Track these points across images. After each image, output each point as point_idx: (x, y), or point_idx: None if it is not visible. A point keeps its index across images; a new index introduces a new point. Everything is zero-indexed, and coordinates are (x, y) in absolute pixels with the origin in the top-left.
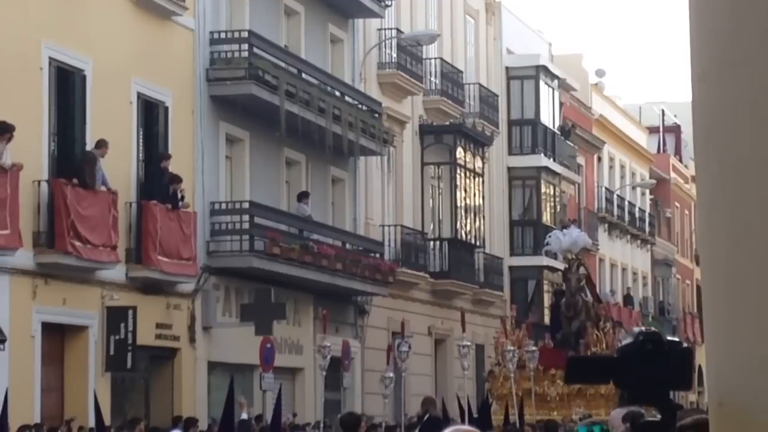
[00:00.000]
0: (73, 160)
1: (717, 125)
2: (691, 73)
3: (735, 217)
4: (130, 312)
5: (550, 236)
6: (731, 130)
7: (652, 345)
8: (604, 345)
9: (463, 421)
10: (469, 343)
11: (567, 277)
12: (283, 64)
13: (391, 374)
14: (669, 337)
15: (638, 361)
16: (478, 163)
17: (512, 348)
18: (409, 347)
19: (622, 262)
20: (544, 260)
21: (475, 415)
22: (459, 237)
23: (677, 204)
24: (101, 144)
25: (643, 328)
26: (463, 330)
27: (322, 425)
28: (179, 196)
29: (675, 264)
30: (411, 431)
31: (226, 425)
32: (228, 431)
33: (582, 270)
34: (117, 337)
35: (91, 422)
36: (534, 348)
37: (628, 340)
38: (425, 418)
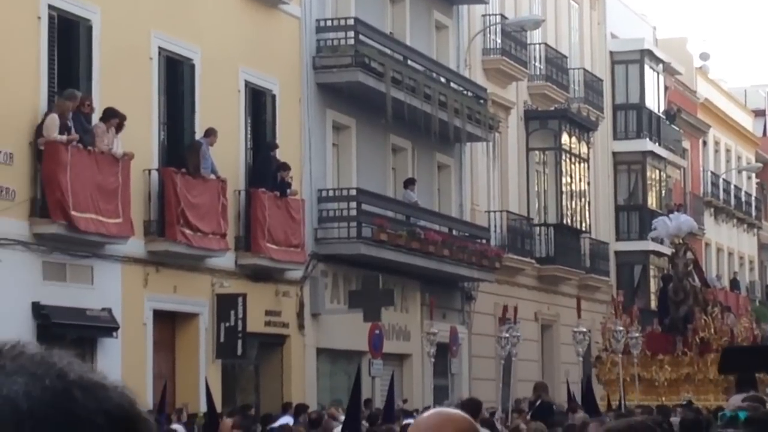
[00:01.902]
0: (182, 148)
1: None
2: None
3: None
4: (240, 299)
5: (656, 221)
6: None
7: None
8: (712, 330)
9: (570, 408)
10: (585, 330)
11: (674, 262)
12: (388, 51)
13: (507, 334)
14: None
15: None
16: (583, 148)
17: (621, 329)
18: (518, 333)
19: (728, 247)
20: (650, 245)
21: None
22: (564, 222)
23: None
24: (210, 132)
25: None
26: (579, 316)
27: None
28: (287, 183)
29: None
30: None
31: (352, 415)
32: (355, 420)
33: (689, 255)
34: (227, 325)
35: (203, 409)
36: (637, 334)
37: None
38: (537, 403)
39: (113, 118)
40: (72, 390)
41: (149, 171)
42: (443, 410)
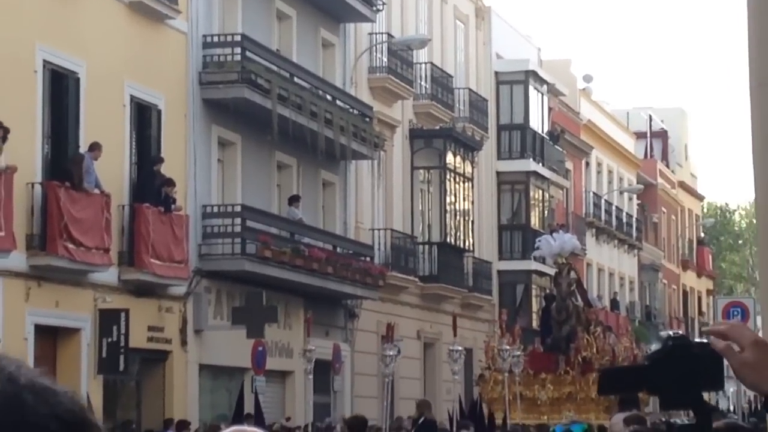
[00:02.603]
0: (66, 162)
1: None
2: (750, 78)
3: None
4: (123, 314)
5: (540, 240)
6: None
7: (680, 349)
8: (594, 349)
9: (451, 427)
10: (460, 348)
11: (558, 281)
12: (275, 68)
13: (390, 352)
14: (697, 339)
15: (669, 366)
16: (468, 168)
17: (508, 347)
18: (399, 351)
19: (609, 267)
20: (532, 264)
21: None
22: (448, 241)
23: (664, 209)
24: (94, 146)
25: (670, 332)
26: (455, 335)
27: (311, 428)
28: (171, 199)
29: (661, 269)
30: None
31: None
32: None
33: (573, 274)
34: (109, 340)
35: None
36: (519, 353)
37: (657, 346)
38: (420, 421)
39: None
40: (23, 394)
41: (32, 184)
42: (242, 428)
